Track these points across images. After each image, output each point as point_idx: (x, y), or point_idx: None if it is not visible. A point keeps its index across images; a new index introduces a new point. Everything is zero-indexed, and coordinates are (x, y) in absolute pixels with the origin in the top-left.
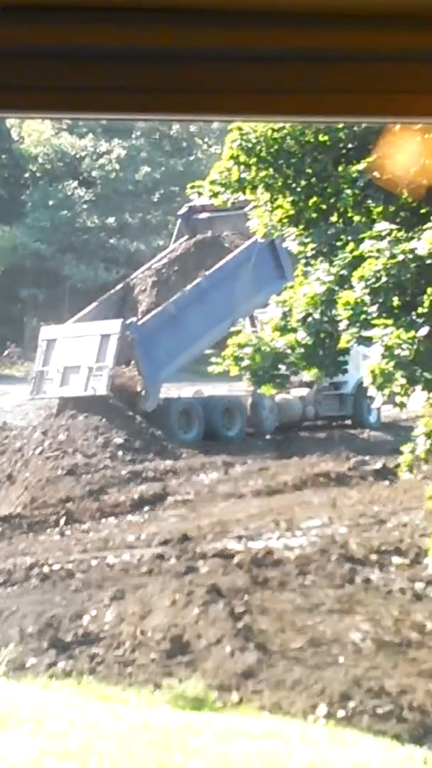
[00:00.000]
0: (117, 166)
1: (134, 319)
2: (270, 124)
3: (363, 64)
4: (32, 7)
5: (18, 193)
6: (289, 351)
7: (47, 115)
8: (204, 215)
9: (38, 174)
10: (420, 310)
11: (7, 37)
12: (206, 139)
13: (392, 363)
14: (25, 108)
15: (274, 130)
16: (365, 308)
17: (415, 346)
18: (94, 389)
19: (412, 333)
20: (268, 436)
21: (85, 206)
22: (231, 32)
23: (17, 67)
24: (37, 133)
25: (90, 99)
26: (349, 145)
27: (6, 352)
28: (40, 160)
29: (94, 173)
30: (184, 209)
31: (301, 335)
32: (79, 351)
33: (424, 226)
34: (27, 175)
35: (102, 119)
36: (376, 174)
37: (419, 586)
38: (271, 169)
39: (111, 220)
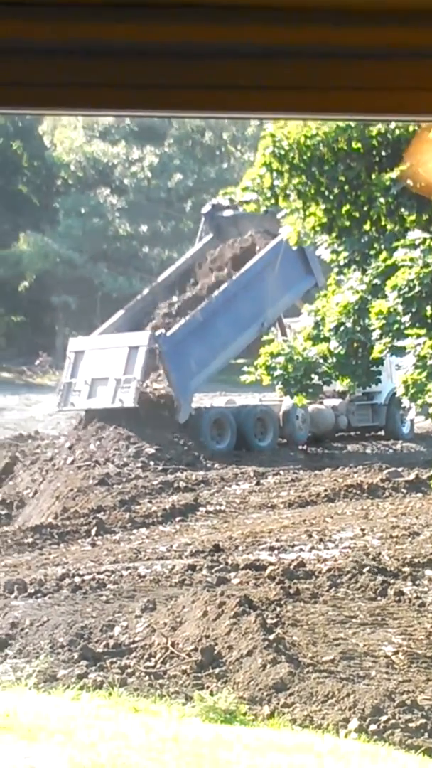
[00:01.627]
0: (149, 174)
1: (162, 330)
2: (303, 131)
3: (366, 60)
4: (26, 2)
5: (50, 200)
6: (321, 360)
7: (41, 111)
8: (228, 213)
9: (70, 181)
10: None
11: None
12: (239, 147)
13: (425, 373)
14: (16, 105)
15: (307, 137)
16: (398, 318)
17: None
18: (122, 401)
19: None
20: (300, 447)
21: (117, 214)
22: (230, 29)
23: (10, 63)
24: (69, 141)
25: (88, 95)
26: (383, 153)
27: (38, 362)
28: (73, 168)
29: (126, 181)
30: (207, 207)
31: (334, 344)
32: (107, 363)
33: None
34: (59, 182)
35: (100, 115)
36: (409, 182)
37: None
38: (303, 177)
39: (143, 228)
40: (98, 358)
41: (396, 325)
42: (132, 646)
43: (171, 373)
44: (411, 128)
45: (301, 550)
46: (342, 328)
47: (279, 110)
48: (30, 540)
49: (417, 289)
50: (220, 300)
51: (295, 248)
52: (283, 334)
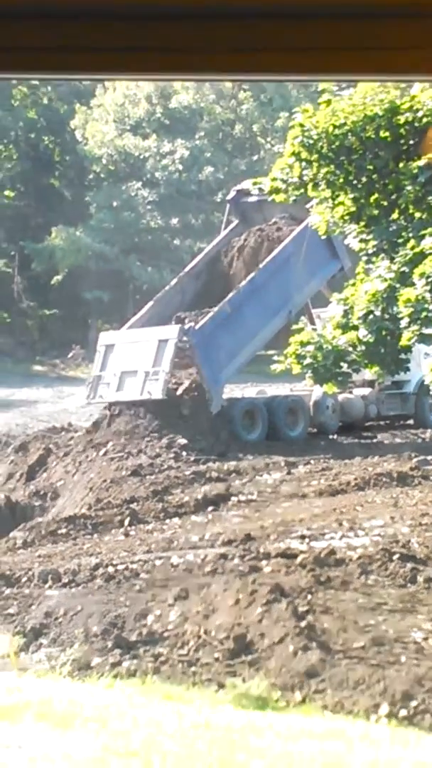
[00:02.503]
0: (180, 167)
1: (192, 324)
2: (332, 121)
3: (338, 20)
4: None
5: (82, 194)
6: (350, 349)
7: (28, 76)
8: (253, 198)
9: (102, 175)
10: None
11: None
12: (269, 139)
13: None
14: (8, 69)
15: (335, 127)
16: (426, 305)
17: None
18: (150, 393)
19: None
20: (330, 436)
21: (148, 207)
22: None
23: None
24: (100, 135)
25: (73, 59)
26: (410, 141)
27: (70, 354)
28: (104, 162)
29: (157, 174)
30: (232, 193)
31: (363, 333)
32: (136, 356)
33: None
34: (91, 176)
35: (85, 79)
36: None
37: None
38: (332, 166)
39: (175, 220)
40: (128, 352)
41: (424, 313)
42: (165, 634)
43: (201, 365)
44: None
45: (332, 538)
46: (371, 316)
47: (250, 72)
48: (64, 531)
49: None
50: (247, 290)
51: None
52: (312, 323)
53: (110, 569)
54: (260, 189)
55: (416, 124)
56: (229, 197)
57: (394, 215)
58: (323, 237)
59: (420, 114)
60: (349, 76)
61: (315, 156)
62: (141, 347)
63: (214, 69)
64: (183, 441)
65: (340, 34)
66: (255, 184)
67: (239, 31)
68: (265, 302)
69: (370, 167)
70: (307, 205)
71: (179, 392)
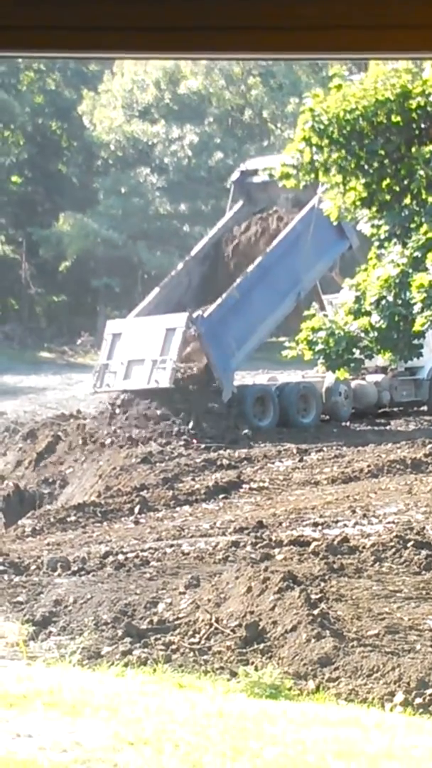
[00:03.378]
0: (189, 153)
1: (200, 312)
2: (342, 106)
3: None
4: None
5: (90, 180)
6: (362, 335)
7: (31, 54)
8: (258, 179)
9: (110, 161)
10: None
11: None
12: (279, 124)
13: None
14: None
15: (346, 111)
16: None
17: None
18: (157, 381)
19: None
20: (343, 423)
21: (157, 193)
22: None
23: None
24: (108, 120)
25: (75, 38)
26: (422, 125)
27: (79, 341)
28: (112, 147)
29: (166, 160)
30: (236, 174)
31: (375, 318)
32: (143, 344)
33: None
34: (99, 162)
35: (85, 58)
36: None
37: None
38: (343, 151)
39: (183, 207)
40: (135, 340)
41: None
42: (176, 622)
43: (211, 353)
44: None
45: (345, 525)
46: (383, 301)
47: (250, 50)
48: (73, 518)
49: None
50: (255, 275)
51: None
52: (322, 308)
53: (120, 557)
54: (270, 175)
55: (428, 108)
56: (233, 178)
57: (407, 200)
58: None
59: None
60: (363, 54)
61: (326, 141)
62: (148, 336)
63: (224, 48)
64: (193, 428)
65: (354, 11)
66: (265, 170)
67: (251, 9)
68: (274, 286)
69: (382, 152)
70: (318, 189)
71: (189, 379)
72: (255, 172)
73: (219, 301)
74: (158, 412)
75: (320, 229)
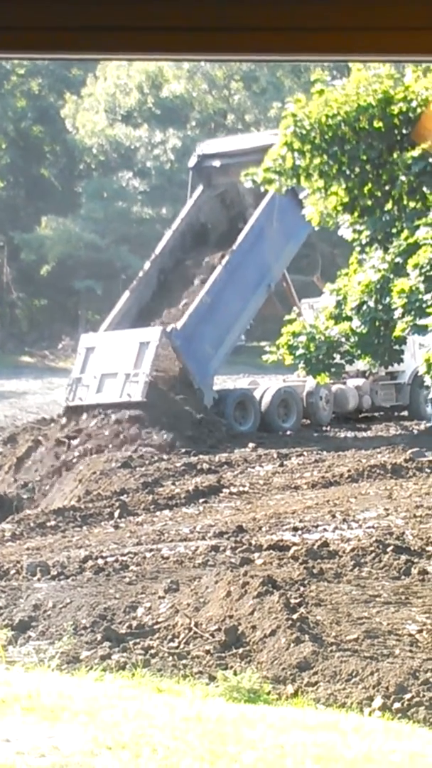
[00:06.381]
0: (172, 157)
1: (173, 326)
2: (324, 111)
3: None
4: None
5: (72, 184)
6: (343, 339)
7: (31, 55)
8: (217, 162)
9: (93, 165)
10: None
11: None
12: (261, 129)
13: None
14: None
15: (328, 117)
16: (420, 296)
17: None
18: (129, 395)
19: None
20: (324, 427)
21: (139, 197)
22: None
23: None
24: (91, 124)
25: (72, 38)
26: (404, 131)
27: (60, 346)
28: (95, 151)
29: (148, 164)
30: (193, 160)
31: (356, 323)
32: (116, 358)
33: None
34: (81, 166)
35: (85, 59)
36: (431, 160)
37: None
38: (325, 156)
39: (165, 211)
40: (108, 354)
41: (418, 304)
42: (155, 626)
43: (188, 363)
44: None
45: (325, 530)
46: (364, 307)
47: (236, 52)
48: (53, 523)
49: None
50: (223, 275)
51: (288, 197)
52: (293, 304)
53: (100, 561)
54: (254, 181)
55: (410, 114)
56: (190, 164)
57: (388, 206)
58: (293, 201)
59: (413, 104)
60: (363, 56)
61: (308, 146)
62: (122, 349)
63: (215, 49)
64: (173, 433)
65: (352, 14)
66: (247, 175)
67: (246, 11)
68: (244, 281)
69: (364, 157)
70: (300, 195)
71: (166, 382)
72: (212, 156)
73: (190, 310)
74: (137, 417)
75: (284, 216)
